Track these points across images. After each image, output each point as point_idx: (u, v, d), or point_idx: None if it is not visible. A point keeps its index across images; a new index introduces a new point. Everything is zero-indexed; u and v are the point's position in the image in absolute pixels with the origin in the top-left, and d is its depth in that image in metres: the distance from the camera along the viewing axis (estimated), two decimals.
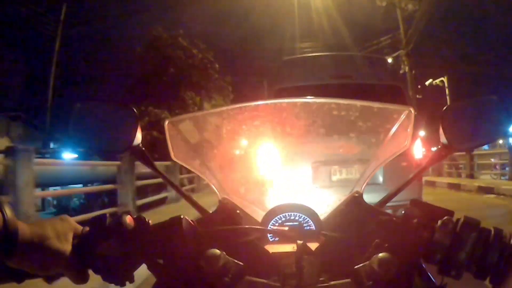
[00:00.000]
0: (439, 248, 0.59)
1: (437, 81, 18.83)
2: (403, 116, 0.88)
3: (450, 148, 0.84)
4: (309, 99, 0.93)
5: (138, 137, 0.83)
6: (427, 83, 18.63)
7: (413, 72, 18.43)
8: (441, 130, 0.83)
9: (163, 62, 20.99)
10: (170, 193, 10.00)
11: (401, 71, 16.98)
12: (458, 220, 0.61)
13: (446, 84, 18.27)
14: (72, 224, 0.67)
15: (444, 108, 0.85)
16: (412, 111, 0.87)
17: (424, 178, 12.45)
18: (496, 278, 0.58)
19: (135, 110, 0.84)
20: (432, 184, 13.54)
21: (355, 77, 4.81)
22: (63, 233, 0.63)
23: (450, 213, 0.63)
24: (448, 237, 0.59)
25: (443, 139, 0.84)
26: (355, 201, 0.86)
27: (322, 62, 5.15)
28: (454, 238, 0.59)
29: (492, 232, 0.59)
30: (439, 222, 0.61)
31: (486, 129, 0.84)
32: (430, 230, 0.60)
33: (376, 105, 0.90)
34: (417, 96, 17.23)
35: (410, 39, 17.83)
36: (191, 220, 0.68)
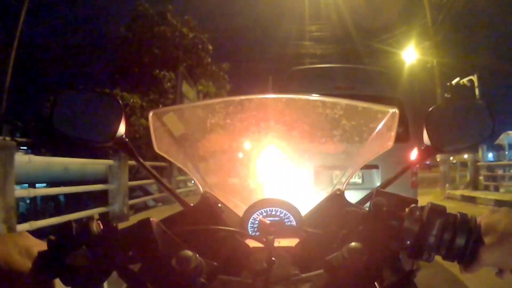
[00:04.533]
0: (409, 235, 0.61)
1: (465, 80, 15.90)
2: (387, 116, 0.89)
3: (432, 149, 0.85)
4: (294, 96, 0.93)
5: (122, 128, 0.82)
6: (453, 82, 16.03)
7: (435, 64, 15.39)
8: (424, 132, 0.84)
9: (147, 42, 17.48)
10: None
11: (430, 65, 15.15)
12: (424, 207, 0.63)
13: (475, 84, 15.52)
14: (32, 239, 0.63)
15: (429, 109, 0.86)
16: (397, 112, 0.87)
17: (458, 192, 11.53)
18: (464, 259, 0.61)
19: (119, 100, 0.83)
20: (471, 200, 10.34)
21: (358, 88, 5.02)
22: (25, 249, 0.60)
23: (415, 201, 0.65)
24: (417, 224, 0.61)
25: (426, 140, 0.85)
26: (337, 199, 0.86)
27: (327, 73, 5.39)
28: (422, 224, 0.61)
29: (458, 216, 0.61)
30: (407, 210, 0.62)
31: (469, 133, 0.85)
32: (399, 218, 0.62)
33: (360, 104, 0.90)
34: (446, 95, 15.18)
35: (439, 28, 14.92)
36: (160, 222, 0.66)
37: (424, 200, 0.67)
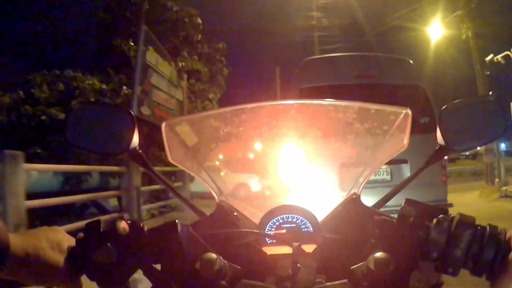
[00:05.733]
0: (435, 246, 0.59)
1: (499, 57, 13.22)
2: (400, 117, 0.89)
3: (447, 149, 0.85)
4: (306, 101, 0.93)
5: (136, 139, 0.83)
6: (487, 59, 13.54)
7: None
8: (438, 131, 0.84)
9: (124, 22, 13.03)
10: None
11: (463, 37, 13.29)
12: (453, 218, 0.61)
13: None
14: (63, 233, 0.66)
15: (442, 108, 0.86)
16: (409, 112, 0.87)
17: None
18: (492, 274, 0.58)
19: (132, 113, 0.84)
20: None
21: (378, 77, 4.81)
22: (56, 243, 0.63)
23: (445, 211, 0.63)
24: (444, 235, 0.59)
25: (440, 140, 0.84)
26: (353, 203, 0.86)
27: (346, 62, 5.16)
28: (449, 236, 0.59)
29: (488, 229, 0.60)
30: (435, 220, 0.61)
31: (483, 130, 0.85)
32: (426, 229, 0.61)
33: (373, 106, 0.90)
34: (486, 72, 13.26)
35: None
36: (187, 225, 0.67)
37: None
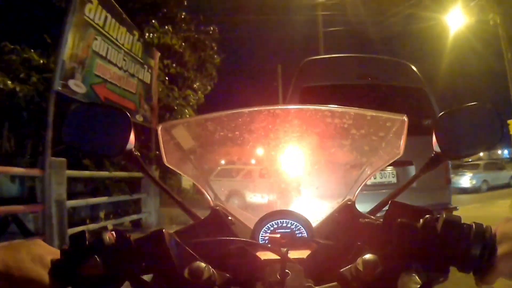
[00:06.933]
0: (424, 246, 0.60)
1: None
2: (396, 124, 0.89)
3: (443, 156, 0.85)
4: (302, 106, 0.93)
5: (132, 141, 0.83)
6: None
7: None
8: (434, 138, 0.84)
9: None
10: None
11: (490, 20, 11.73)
12: (438, 217, 0.62)
13: None
14: (46, 247, 0.64)
15: (438, 115, 0.86)
16: (406, 119, 0.87)
17: None
18: (479, 270, 0.60)
19: (128, 114, 0.84)
20: None
21: (381, 78, 4.81)
22: (38, 257, 0.60)
23: (430, 211, 0.64)
24: (431, 235, 0.60)
25: (436, 147, 0.84)
26: (347, 209, 0.85)
27: (348, 62, 5.15)
28: (436, 235, 0.60)
29: (473, 227, 0.61)
30: (421, 221, 0.62)
31: (479, 138, 0.85)
32: (413, 229, 0.61)
33: (369, 112, 0.90)
34: None
35: None
36: (174, 233, 0.67)
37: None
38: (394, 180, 4.27)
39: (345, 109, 0.90)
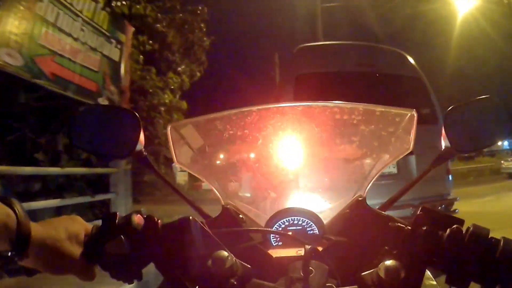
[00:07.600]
0: (447, 258, 0.58)
1: None
2: (406, 119, 0.88)
3: (453, 150, 0.85)
4: (311, 103, 0.93)
5: (141, 141, 0.83)
6: None
7: None
8: (443, 133, 0.83)
9: None
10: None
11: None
12: (467, 229, 0.59)
13: None
14: (83, 224, 0.68)
15: (447, 110, 0.86)
16: (415, 114, 0.87)
17: None
18: None
19: (137, 114, 0.84)
20: None
21: (378, 66, 4.74)
22: (74, 234, 0.65)
23: (460, 221, 0.61)
24: (456, 247, 0.58)
25: (445, 141, 0.84)
26: (359, 205, 0.85)
27: (343, 50, 5.06)
28: (462, 247, 0.58)
29: (502, 242, 0.58)
30: (448, 230, 0.59)
31: (488, 131, 0.85)
32: (439, 239, 0.59)
33: (378, 108, 0.89)
34: None
35: None
36: (201, 222, 0.68)
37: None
38: (394, 170, 4.22)
39: (354, 105, 0.90)
